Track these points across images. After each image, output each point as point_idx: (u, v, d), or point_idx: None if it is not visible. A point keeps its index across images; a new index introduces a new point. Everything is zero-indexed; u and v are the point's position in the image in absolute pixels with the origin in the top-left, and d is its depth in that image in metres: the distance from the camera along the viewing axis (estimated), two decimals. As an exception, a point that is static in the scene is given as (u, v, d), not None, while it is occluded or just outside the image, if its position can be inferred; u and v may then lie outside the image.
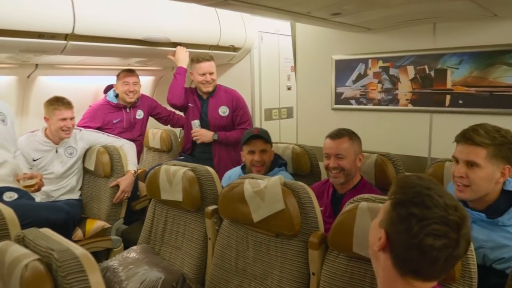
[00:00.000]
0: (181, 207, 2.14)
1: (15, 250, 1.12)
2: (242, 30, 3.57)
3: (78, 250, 1.09)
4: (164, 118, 3.61)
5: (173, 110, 3.44)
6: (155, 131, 3.84)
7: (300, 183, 1.75)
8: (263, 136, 2.39)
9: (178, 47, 3.07)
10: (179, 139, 3.85)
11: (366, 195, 1.50)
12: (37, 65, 2.89)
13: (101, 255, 2.71)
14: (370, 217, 1.38)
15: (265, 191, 1.71)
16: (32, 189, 2.27)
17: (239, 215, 1.82)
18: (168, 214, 2.23)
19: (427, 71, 2.57)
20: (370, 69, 2.82)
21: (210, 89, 3.03)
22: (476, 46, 2.38)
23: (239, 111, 3.11)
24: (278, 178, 1.72)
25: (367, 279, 1.46)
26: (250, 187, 1.77)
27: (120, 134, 3.21)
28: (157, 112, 3.56)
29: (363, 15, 2.19)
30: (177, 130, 4.00)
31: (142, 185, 3.28)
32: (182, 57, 3.04)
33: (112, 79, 3.36)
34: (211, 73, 2.99)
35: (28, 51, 2.48)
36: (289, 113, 4.23)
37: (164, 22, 2.93)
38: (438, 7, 2.06)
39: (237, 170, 2.56)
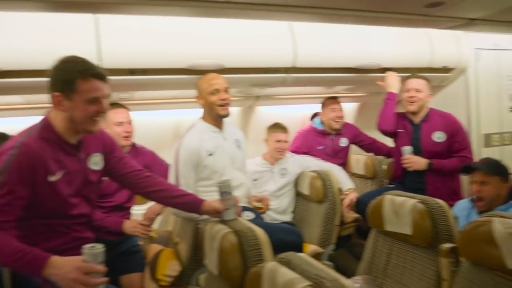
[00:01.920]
0: (408, 241, 2.01)
1: (285, 273, 1.18)
2: (455, 49, 3.30)
3: (346, 281, 1.09)
4: (367, 146, 3.56)
5: (375, 137, 3.39)
6: (358, 157, 3.81)
7: None
8: (481, 168, 2.20)
9: (388, 72, 3.00)
10: (385, 166, 3.73)
11: None
12: (258, 96, 3.21)
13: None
14: None
15: (523, 234, 1.46)
16: (261, 211, 2.48)
17: (485, 258, 1.60)
18: (392, 247, 2.12)
19: None
20: None
21: (413, 108, 2.84)
22: None
23: (457, 136, 2.83)
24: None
25: None
26: (501, 227, 1.54)
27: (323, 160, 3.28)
28: (360, 139, 3.54)
29: None
30: (380, 156, 3.90)
31: (347, 211, 3.26)
32: (393, 82, 2.96)
33: (315, 107, 3.49)
34: (417, 90, 2.81)
35: (256, 85, 2.78)
36: (513, 138, 3.67)
37: (375, 48, 2.93)
38: None
39: (464, 202, 2.33)
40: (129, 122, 2.47)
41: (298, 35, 2.63)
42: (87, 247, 1.37)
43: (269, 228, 2.21)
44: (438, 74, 3.33)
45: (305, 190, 2.98)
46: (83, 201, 1.66)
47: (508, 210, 2.14)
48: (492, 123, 3.56)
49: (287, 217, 3.08)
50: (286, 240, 2.26)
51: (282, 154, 3.02)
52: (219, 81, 2.29)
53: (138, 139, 2.61)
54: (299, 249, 2.42)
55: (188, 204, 1.87)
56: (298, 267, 1.21)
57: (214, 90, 2.27)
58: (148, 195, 1.92)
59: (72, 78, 1.48)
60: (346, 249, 3.12)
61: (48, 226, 1.58)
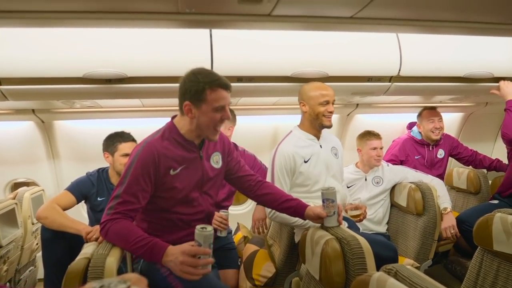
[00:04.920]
0: (519, 263, 1.88)
1: (394, 284, 1.19)
2: None
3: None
4: (466, 159, 3.39)
5: (475, 150, 3.20)
6: (460, 170, 3.60)
7: None
8: None
9: (504, 81, 2.81)
10: (490, 180, 3.49)
11: None
12: (357, 104, 3.20)
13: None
14: None
15: None
16: (358, 219, 2.47)
17: None
18: (500, 268, 2.00)
19: None
20: None
21: None
22: None
23: None
24: None
25: None
26: None
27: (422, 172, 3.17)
28: (458, 151, 3.37)
29: None
30: (485, 170, 3.65)
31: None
32: (511, 90, 2.76)
33: (412, 116, 3.38)
34: None
35: (358, 93, 2.78)
36: None
37: (487, 56, 2.76)
38: None
39: None
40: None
41: (404, 43, 2.57)
42: (198, 228, 1.47)
43: (366, 240, 2.21)
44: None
45: (402, 201, 2.91)
46: (202, 196, 1.82)
47: None
48: None
49: (382, 228, 3.04)
50: (381, 254, 2.22)
51: (379, 162, 2.97)
52: (329, 92, 2.32)
53: (240, 142, 2.77)
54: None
55: (293, 208, 1.95)
56: (407, 279, 1.21)
57: (324, 102, 2.29)
58: (257, 198, 2.04)
59: (202, 88, 1.64)
60: (443, 265, 2.98)
61: (169, 220, 1.77)
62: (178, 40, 2.28)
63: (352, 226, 2.39)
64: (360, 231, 2.70)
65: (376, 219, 3.01)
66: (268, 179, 2.38)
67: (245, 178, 1.99)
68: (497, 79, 2.84)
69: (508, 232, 1.90)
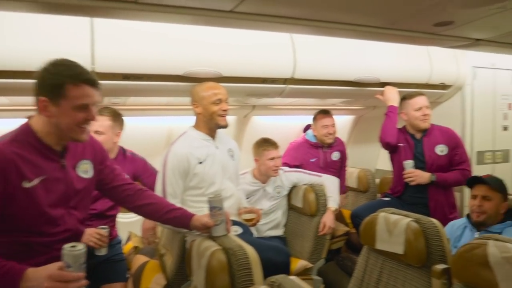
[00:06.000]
0: (400, 260, 1.97)
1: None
2: (454, 67, 3.29)
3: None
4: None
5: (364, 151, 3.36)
6: (351, 170, 3.78)
7: None
8: (487, 182, 2.19)
9: (387, 86, 2.99)
10: (378, 180, 3.71)
11: None
12: (254, 106, 3.17)
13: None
14: None
15: (519, 259, 1.43)
16: (251, 223, 2.42)
17: (478, 282, 1.56)
18: (384, 265, 2.09)
19: None
20: None
21: (427, 125, 2.86)
22: None
23: (458, 149, 2.87)
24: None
25: None
26: (497, 251, 1.51)
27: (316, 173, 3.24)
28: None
29: None
30: (373, 169, 3.88)
31: (337, 224, 3.23)
32: (393, 96, 2.94)
33: (309, 118, 3.46)
34: (427, 107, 2.85)
35: (253, 95, 2.73)
36: (505, 156, 3.67)
37: (374, 63, 2.91)
38: None
39: (462, 220, 2.33)
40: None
41: (298, 46, 2.59)
42: (66, 248, 1.26)
43: (258, 246, 2.15)
44: (436, 91, 3.33)
45: (298, 203, 2.95)
46: (68, 213, 1.53)
47: (504, 230, 2.14)
48: (486, 141, 3.56)
49: (279, 232, 3.04)
50: (274, 260, 2.20)
51: (277, 172, 2.91)
52: (222, 91, 2.26)
53: (130, 146, 2.56)
54: (287, 269, 2.37)
55: (178, 218, 1.80)
56: (290, 291, 1.17)
57: (217, 100, 2.22)
58: (137, 210, 1.83)
59: (62, 82, 1.38)
60: (336, 262, 3.08)
61: (24, 245, 1.44)
62: (50, 31, 2.00)
63: (246, 232, 2.34)
64: (255, 236, 2.67)
65: (273, 223, 3.01)
66: (159, 182, 2.23)
67: (121, 187, 1.75)
68: (383, 84, 3.01)
69: (390, 231, 1.99)
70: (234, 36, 2.40)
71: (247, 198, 2.92)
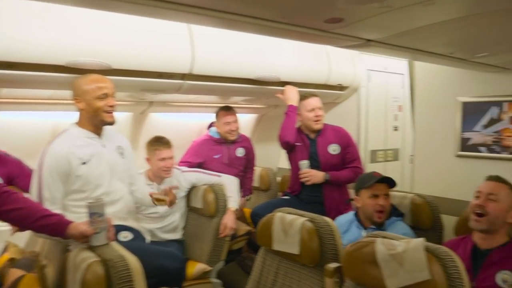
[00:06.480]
0: (296, 260, 1.97)
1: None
2: (351, 69, 3.43)
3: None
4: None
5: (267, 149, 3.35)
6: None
7: (444, 248, 1.50)
8: (389, 180, 2.23)
9: (288, 86, 3.00)
10: (279, 178, 3.74)
11: None
12: (151, 102, 2.98)
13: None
14: None
15: (403, 256, 1.48)
16: (163, 203, 2.27)
17: (367, 279, 1.60)
18: (279, 266, 2.07)
19: None
20: (505, 113, 2.49)
21: (320, 126, 2.90)
22: None
23: (349, 148, 2.95)
24: (421, 242, 1.49)
25: None
26: (384, 248, 1.55)
27: (220, 170, 3.17)
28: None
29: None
30: (275, 168, 3.90)
31: (239, 224, 3.19)
32: (292, 95, 2.96)
33: (213, 116, 3.37)
34: (320, 108, 2.89)
35: (148, 90, 2.55)
36: (395, 155, 3.94)
37: (275, 62, 2.90)
38: None
39: (348, 216, 2.36)
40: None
41: (197, 39, 2.46)
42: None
43: (148, 253, 2.01)
44: (334, 91, 3.44)
45: (197, 204, 2.84)
46: None
47: (389, 226, 2.21)
48: (378, 141, 3.77)
49: (177, 235, 2.90)
50: (166, 266, 2.07)
51: (169, 173, 2.77)
52: (108, 84, 2.04)
53: (4, 145, 2.23)
54: (180, 275, 2.27)
55: (51, 226, 1.60)
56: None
57: (102, 95, 2.00)
58: (3, 216, 1.59)
59: None
60: (237, 263, 3.03)
61: None
62: None
63: (138, 237, 2.17)
64: (149, 241, 2.51)
65: (170, 227, 2.86)
66: (34, 185, 1.96)
67: None
68: (283, 84, 3.01)
69: (285, 231, 1.96)
70: (124, 22, 2.18)
71: None
